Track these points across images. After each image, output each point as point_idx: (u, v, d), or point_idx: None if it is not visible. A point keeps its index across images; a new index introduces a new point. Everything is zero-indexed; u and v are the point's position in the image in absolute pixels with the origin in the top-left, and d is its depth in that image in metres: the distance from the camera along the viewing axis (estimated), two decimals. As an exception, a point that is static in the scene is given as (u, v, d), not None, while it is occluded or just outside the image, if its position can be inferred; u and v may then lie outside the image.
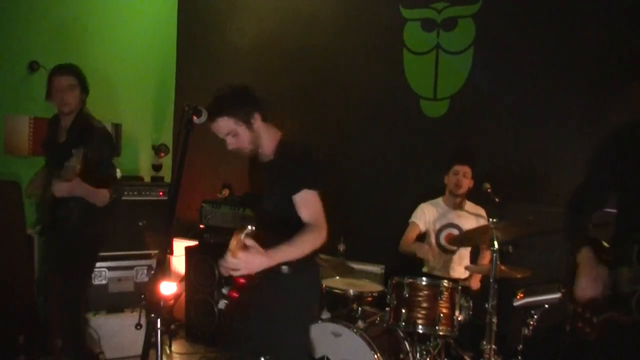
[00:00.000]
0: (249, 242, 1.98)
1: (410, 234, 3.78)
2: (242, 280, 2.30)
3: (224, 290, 2.36)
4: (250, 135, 2.34)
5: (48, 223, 3.05)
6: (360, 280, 3.65)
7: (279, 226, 2.25)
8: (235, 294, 2.33)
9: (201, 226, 4.34)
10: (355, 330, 2.91)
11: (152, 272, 4.05)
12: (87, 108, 3.10)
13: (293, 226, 2.20)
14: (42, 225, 3.09)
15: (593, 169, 2.16)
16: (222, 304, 2.32)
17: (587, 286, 1.96)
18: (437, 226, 3.75)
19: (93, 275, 3.82)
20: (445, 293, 3.02)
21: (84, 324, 3.50)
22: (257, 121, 2.35)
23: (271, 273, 2.18)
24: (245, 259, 1.98)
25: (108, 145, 3.09)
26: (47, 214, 3.03)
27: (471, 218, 3.69)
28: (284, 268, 2.30)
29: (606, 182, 2.08)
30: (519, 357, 3.16)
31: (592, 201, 2.15)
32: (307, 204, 2.24)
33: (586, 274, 1.97)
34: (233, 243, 1.98)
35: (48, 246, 3.14)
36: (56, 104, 3.02)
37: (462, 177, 3.65)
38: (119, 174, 3.16)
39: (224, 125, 2.29)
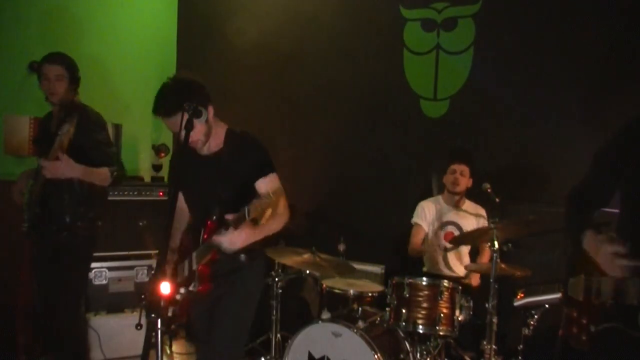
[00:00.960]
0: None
1: (417, 238, 3.79)
2: (206, 272, 2.36)
3: (192, 288, 2.39)
4: (205, 128, 2.37)
5: (37, 219, 2.96)
6: (360, 280, 3.65)
7: (233, 211, 2.22)
8: (204, 288, 2.37)
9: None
10: (355, 330, 2.90)
11: (152, 272, 4.04)
12: (79, 99, 3.04)
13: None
14: (31, 222, 2.97)
15: (595, 166, 2.00)
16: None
17: (611, 264, 1.71)
18: (437, 224, 3.75)
19: (93, 275, 3.83)
20: (446, 293, 3.02)
21: (83, 324, 3.51)
22: (210, 114, 2.40)
23: (230, 261, 2.27)
24: (245, 230, 2.14)
25: (101, 126, 3.02)
26: (36, 209, 2.95)
27: (471, 217, 3.69)
28: (242, 256, 2.38)
29: (608, 180, 1.94)
30: (519, 357, 3.17)
31: (593, 200, 2.00)
32: (275, 184, 2.39)
33: (602, 257, 1.73)
34: (262, 209, 2.06)
35: (40, 244, 3.02)
36: (44, 92, 2.98)
37: (460, 175, 3.67)
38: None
39: (180, 120, 2.24)
